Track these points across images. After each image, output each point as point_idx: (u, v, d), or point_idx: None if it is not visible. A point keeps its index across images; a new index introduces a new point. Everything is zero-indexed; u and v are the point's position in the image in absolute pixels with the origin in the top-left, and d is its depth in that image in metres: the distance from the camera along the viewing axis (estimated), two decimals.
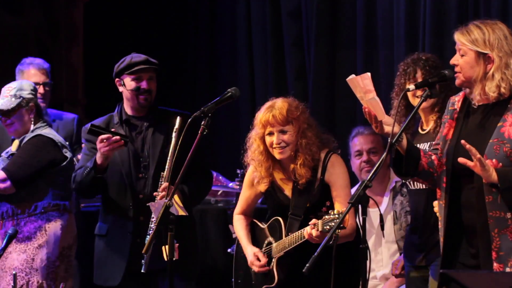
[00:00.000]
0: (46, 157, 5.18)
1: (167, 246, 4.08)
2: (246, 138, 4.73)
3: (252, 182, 4.78)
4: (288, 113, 4.56)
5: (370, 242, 5.52)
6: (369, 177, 3.67)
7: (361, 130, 5.69)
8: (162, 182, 4.74)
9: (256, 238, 4.82)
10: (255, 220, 4.87)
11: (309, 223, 4.32)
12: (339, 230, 3.93)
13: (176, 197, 4.40)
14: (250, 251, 4.74)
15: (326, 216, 4.20)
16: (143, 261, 4.67)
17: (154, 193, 4.77)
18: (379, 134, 5.67)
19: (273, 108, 4.58)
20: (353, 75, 3.91)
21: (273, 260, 4.64)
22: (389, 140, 3.81)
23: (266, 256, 4.67)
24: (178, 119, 4.79)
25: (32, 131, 5.21)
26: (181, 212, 4.46)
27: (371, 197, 3.74)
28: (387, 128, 3.90)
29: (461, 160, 3.78)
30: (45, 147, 5.19)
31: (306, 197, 4.58)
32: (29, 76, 5.91)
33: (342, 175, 4.62)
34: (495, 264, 3.79)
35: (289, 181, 4.67)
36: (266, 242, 4.74)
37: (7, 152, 5.27)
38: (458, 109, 4.00)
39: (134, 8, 8.43)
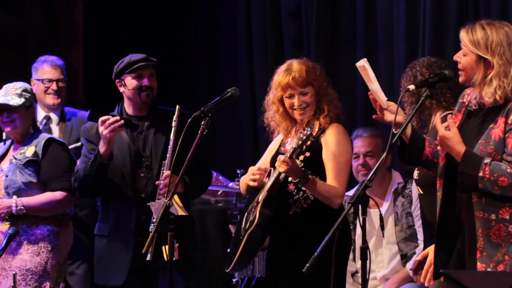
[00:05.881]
0: (68, 159, 5.24)
1: (167, 246, 4.08)
2: (264, 100, 4.71)
3: (275, 145, 4.71)
4: (308, 75, 4.55)
5: (371, 243, 5.52)
6: (369, 177, 3.67)
7: (360, 133, 5.68)
8: (164, 171, 4.74)
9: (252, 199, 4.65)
10: None
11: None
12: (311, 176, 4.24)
13: (176, 197, 4.39)
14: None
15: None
16: (148, 251, 4.61)
17: (156, 182, 4.76)
18: (378, 137, 5.68)
19: (292, 71, 4.55)
20: (363, 60, 3.95)
21: (259, 201, 4.49)
22: (391, 129, 3.80)
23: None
24: (177, 108, 4.82)
25: (34, 134, 5.22)
26: (181, 212, 4.46)
27: (371, 197, 3.74)
28: (391, 117, 3.91)
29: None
30: (64, 150, 5.25)
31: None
32: (43, 73, 5.98)
33: (340, 142, 4.52)
34: (478, 264, 3.79)
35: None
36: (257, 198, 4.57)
37: (19, 159, 5.21)
38: (466, 103, 4.00)
39: (134, 8, 8.42)
